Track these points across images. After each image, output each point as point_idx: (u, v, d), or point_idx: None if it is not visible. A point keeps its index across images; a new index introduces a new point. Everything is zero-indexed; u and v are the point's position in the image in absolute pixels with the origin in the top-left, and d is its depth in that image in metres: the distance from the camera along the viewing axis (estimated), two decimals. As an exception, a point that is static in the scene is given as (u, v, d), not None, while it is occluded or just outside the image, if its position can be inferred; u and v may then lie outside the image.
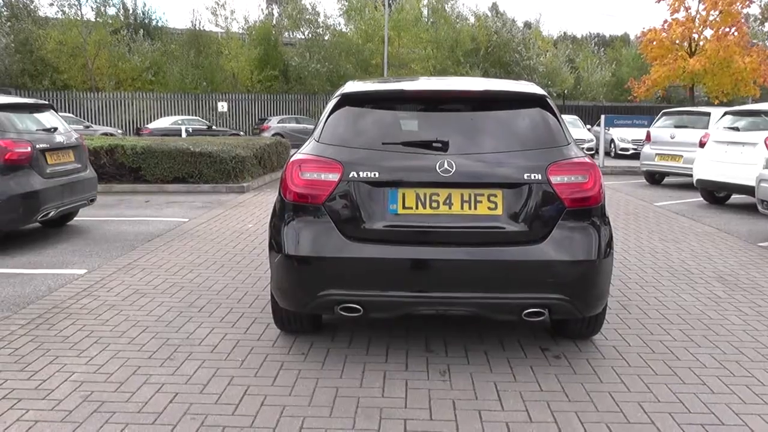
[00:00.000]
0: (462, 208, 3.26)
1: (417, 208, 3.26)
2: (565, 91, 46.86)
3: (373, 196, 3.27)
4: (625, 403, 3.03)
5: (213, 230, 7.25)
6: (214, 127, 25.12)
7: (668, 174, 12.11)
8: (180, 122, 24.10)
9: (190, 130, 21.97)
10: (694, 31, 22.13)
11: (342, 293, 3.25)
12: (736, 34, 21.33)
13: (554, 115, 3.53)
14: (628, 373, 3.37)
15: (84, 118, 27.03)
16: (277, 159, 13.11)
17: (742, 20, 22.66)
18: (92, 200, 7.03)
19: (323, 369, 3.37)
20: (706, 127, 10.68)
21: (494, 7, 48.68)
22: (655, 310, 4.43)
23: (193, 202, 9.49)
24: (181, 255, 5.98)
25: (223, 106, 26.65)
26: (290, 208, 3.39)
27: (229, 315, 4.25)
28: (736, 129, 8.73)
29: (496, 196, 3.26)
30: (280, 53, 33.77)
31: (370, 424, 2.79)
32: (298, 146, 3.93)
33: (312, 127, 27.53)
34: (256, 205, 9.20)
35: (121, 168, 10.14)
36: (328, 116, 3.53)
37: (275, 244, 3.44)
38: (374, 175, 3.25)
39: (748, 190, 7.87)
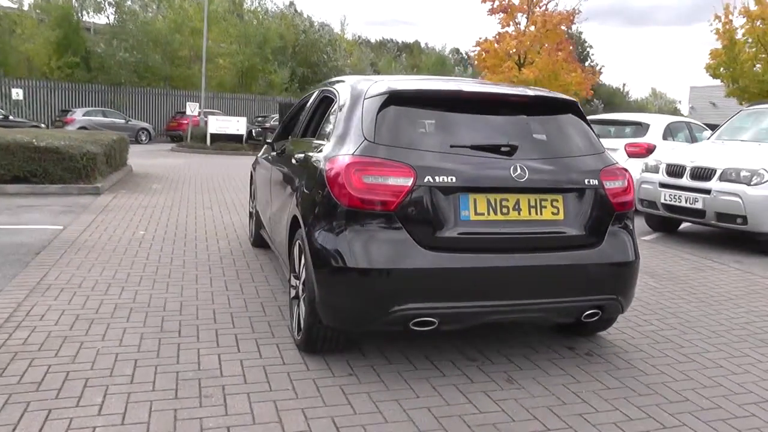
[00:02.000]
0: (529, 213, 3.20)
1: (488, 214, 3.13)
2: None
3: (445, 202, 3.07)
4: (688, 391, 3.21)
5: (103, 240, 6.26)
6: (11, 117, 21.61)
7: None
8: (-30, 110, 20.40)
9: (-18, 120, 18.73)
10: (524, 45, 24.28)
11: (419, 307, 3.00)
12: (561, 52, 23.98)
13: (586, 121, 3.63)
14: (661, 364, 3.58)
15: None
16: (119, 156, 11.75)
17: (566, 39, 25.43)
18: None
19: (391, 389, 3.08)
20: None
21: (292, 6, 48.57)
22: (620, 302, 4.78)
23: (50, 206, 8.09)
24: (93, 270, 5.07)
25: (18, 94, 23.07)
26: (349, 216, 3.04)
27: (221, 338, 3.69)
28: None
29: (558, 201, 3.26)
30: (83, 38, 30.18)
31: (503, 443, 2.63)
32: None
33: (121, 121, 25.33)
34: (126, 210, 8.13)
35: (-54, 164, 8.30)
36: (377, 114, 3.23)
37: (329, 256, 3.06)
38: (450, 180, 3.05)
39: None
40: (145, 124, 27.19)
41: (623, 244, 3.42)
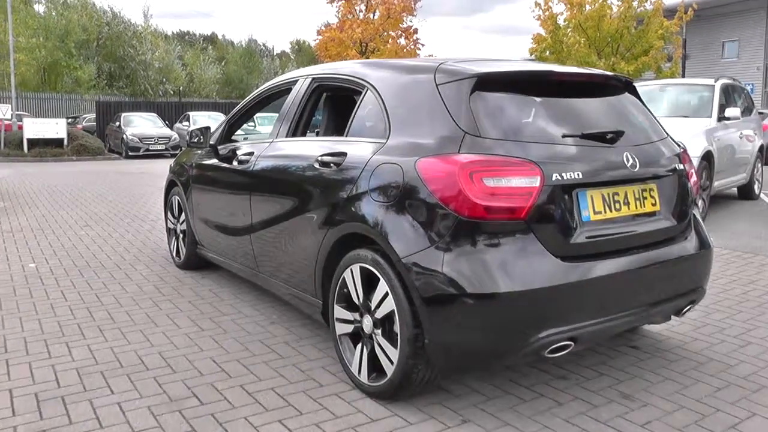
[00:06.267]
0: (636, 206, 2.85)
1: (605, 211, 2.72)
2: (180, 88, 46.13)
3: (567, 202, 2.60)
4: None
5: (-17, 281, 4.86)
6: None
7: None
8: None
9: None
10: (370, 32, 24.02)
11: (562, 330, 2.50)
12: (404, 41, 24.12)
13: (643, 101, 3.36)
14: (725, 351, 3.43)
15: None
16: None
17: (412, 29, 25.62)
18: None
19: (524, 433, 2.58)
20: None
21: None
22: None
23: None
24: (7, 324, 3.83)
25: None
26: (468, 229, 2.45)
27: (258, 397, 2.88)
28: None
29: (654, 189, 2.94)
30: None
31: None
32: None
33: None
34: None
35: None
36: (469, 102, 2.65)
37: (449, 282, 2.44)
38: (576, 176, 2.59)
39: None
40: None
41: (702, 229, 3.22)
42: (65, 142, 19.72)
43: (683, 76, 24.60)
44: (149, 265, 5.42)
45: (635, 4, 19.45)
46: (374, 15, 24.76)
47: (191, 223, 4.94)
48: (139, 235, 6.75)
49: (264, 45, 73.36)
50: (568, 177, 2.57)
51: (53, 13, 36.43)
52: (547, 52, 21.84)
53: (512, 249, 2.47)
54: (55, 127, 19.77)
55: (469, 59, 3.08)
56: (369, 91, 3.15)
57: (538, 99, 2.82)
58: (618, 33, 19.55)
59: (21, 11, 31.89)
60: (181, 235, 5.21)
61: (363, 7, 24.95)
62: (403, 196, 2.63)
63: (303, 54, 70.52)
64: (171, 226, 5.46)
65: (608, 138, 2.79)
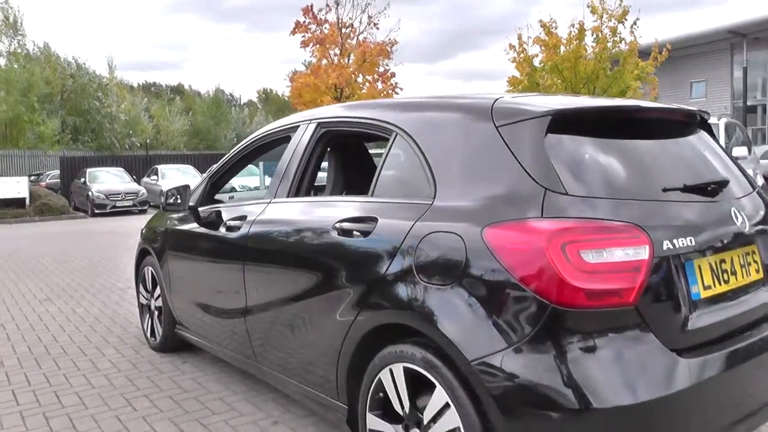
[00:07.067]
0: (742, 275, 2.26)
1: (714, 285, 2.12)
2: (147, 141, 45.38)
3: (675, 277, 2.00)
4: None
5: None
6: None
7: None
8: None
9: None
10: (345, 77, 23.66)
11: None
12: (382, 85, 23.79)
13: (718, 141, 2.82)
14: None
15: None
16: None
17: (389, 72, 25.28)
18: None
19: None
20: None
21: (47, 48, 43.45)
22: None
23: None
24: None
25: None
26: (566, 320, 1.82)
27: None
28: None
29: (755, 252, 2.37)
30: None
31: None
32: None
33: None
34: None
35: None
36: (544, 148, 2.04)
37: (542, 394, 1.80)
38: (689, 242, 2.00)
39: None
40: None
41: None
42: (27, 201, 18.76)
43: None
44: (119, 348, 4.64)
45: (610, 45, 19.48)
46: (349, 59, 24.47)
47: (168, 299, 4.22)
48: (107, 308, 5.95)
49: (231, 95, 73.43)
50: (681, 244, 1.97)
51: (15, 66, 35.54)
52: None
53: (621, 345, 1.84)
54: (16, 186, 18.82)
55: (520, 95, 2.50)
56: (399, 137, 2.53)
57: (622, 142, 2.24)
58: (594, 74, 19.51)
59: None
60: (156, 313, 4.48)
61: (337, 51, 24.65)
62: (465, 276, 1.99)
63: (270, 103, 70.56)
64: (144, 301, 4.71)
65: (709, 190, 2.22)
